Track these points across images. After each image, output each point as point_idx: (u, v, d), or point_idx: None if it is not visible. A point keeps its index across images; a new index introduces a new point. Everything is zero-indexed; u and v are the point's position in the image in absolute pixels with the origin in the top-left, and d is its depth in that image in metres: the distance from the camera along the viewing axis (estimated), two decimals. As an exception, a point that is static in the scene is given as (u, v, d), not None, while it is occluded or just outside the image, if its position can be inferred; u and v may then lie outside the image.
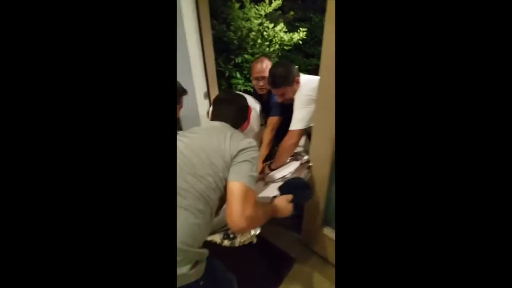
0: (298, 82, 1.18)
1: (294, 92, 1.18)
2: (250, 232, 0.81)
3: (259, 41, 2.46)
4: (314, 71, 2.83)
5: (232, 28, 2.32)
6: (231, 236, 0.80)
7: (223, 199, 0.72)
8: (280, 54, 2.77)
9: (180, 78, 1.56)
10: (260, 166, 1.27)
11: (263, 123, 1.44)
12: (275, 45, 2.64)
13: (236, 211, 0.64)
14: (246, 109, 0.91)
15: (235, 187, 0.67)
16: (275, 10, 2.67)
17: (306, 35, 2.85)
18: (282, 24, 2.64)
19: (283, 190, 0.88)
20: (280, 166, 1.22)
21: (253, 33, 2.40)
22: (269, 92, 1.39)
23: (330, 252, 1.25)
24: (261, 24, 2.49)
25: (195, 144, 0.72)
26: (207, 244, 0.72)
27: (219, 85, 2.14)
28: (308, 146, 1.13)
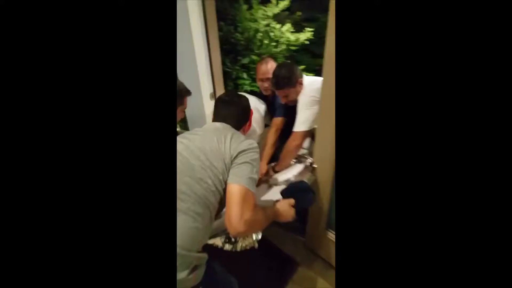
0: (301, 84, 1.16)
1: (298, 93, 1.16)
2: (251, 237, 0.79)
3: (265, 41, 2.45)
4: (321, 71, 2.78)
5: (239, 29, 2.33)
6: (233, 240, 0.80)
7: (223, 202, 0.71)
8: (287, 54, 2.76)
9: (186, 78, 1.57)
10: (264, 167, 1.25)
11: (269, 124, 1.43)
12: (282, 46, 2.63)
13: (235, 214, 0.63)
14: (247, 109, 0.90)
15: (234, 190, 0.66)
16: (282, 10, 2.66)
17: (313, 35, 2.83)
18: (289, 25, 2.62)
19: (285, 194, 0.87)
20: (284, 168, 1.21)
21: (260, 33, 2.39)
22: (274, 93, 1.38)
23: (334, 257, 1.22)
24: (268, 25, 2.48)
25: (195, 146, 0.71)
26: (208, 248, 0.72)
27: (226, 85, 2.15)
28: (312, 148, 1.11)
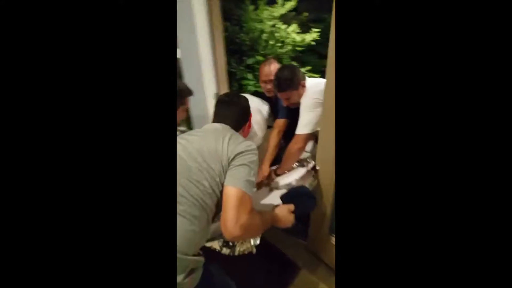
0: (303, 86, 1.15)
1: (300, 96, 1.14)
2: (249, 242, 0.78)
3: (271, 42, 2.44)
4: (327, 72, 2.74)
5: (244, 29, 2.32)
6: (230, 244, 0.78)
7: (220, 204, 0.70)
8: (292, 55, 2.74)
9: (191, 78, 1.57)
10: (266, 170, 1.24)
11: (272, 126, 1.41)
12: (288, 46, 2.61)
13: (230, 218, 0.61)
14: (247, 110, 0.89)
15: (231, 192, 0.64)
16: (289, 11, 2.64)
17: (320, 36, 2.80)
18: (295, 25, 2.60)
19: (285, 199, 0.85)
20: (285, 172, 1.19)
21: (265, 34, 2.38)
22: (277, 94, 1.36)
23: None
24: (273, 25, 2.47)
25: (192, 147, 0.70)
26: (206, 251, 0.71)
27: (231, 86, 2.15)
28: (315, 151, 1.09)
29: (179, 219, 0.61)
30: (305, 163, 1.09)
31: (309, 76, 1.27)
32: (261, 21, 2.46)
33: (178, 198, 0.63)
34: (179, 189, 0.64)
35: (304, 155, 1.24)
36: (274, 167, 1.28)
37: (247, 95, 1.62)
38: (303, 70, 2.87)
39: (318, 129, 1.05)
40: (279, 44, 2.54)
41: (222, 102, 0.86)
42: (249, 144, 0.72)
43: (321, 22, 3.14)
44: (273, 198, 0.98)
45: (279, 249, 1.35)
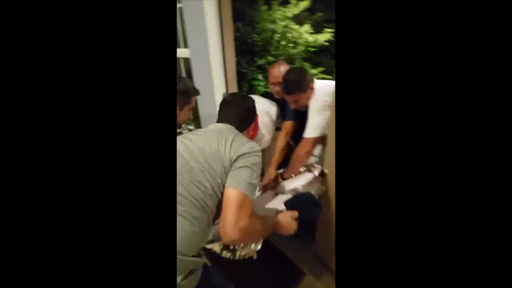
0: (312, 89, 1.11)
1: (308, 98, 1.11)
2: (250, 246, 0.76)
3: (282, 43, 2.41)
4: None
5: (256, 30, 2.31)
6: (231, 247, 0.77)
7: (221, 206, 0.69)
8: (305, 56, 2.69)
9: (200, 78, 1.58)
10: (273, 173, 1.22)
11: (281, 127, 1.39)
12: (300, 47, 2.57)
13: (229, 220, 0.60)
14: (252, 111, 0.87)
15: (231, 195, 0.63)
16: (302, 11, 2.60)
17: (334, 36, 2.74)
18: (307, 26, 2.56)
19: (289, 205, 0.82)
20: (292, 176, 1.16)
21: (277, 35, 2.35)
22: (286, 96, 1.34)
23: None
24: (286, 26, 2.44)
25: (195, 147, 0.69)
26: (206, 253, 0.70)
27: (241, 86, 2.14)
28: (323, 156, 1.06)
29: (179, 220, 0.61)
30: (312, 168, 1.06)
31: (322, 78, 1.24)
32: (273, 21, 2.44)
33: (179, 198, 0.62)
34: (180, 189, 0.63)
35: (312, 159, 1.21)
36: (281, 170, 1.25)
37: (255, 96, 1.61)
38: (315, 71, 2.83)
39: (327, 132, 1.01)
40: (291, 45, 2.51)
41: (226, 102, 0.85)
42: (253, 146, 0.70)
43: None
44: (278, 203, 0.96)
45: (284, 254, 1.33)
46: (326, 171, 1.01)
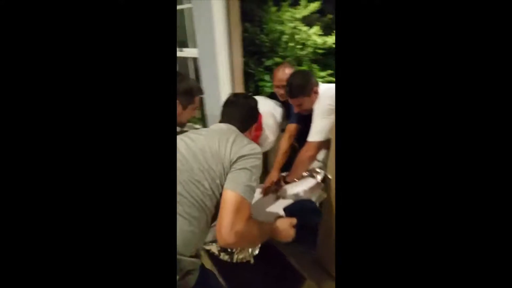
0: (316, 92, 1.10)
1: (312, 102, 1.09)
2: (248, 250, 0.76)
3: (291, 44, 2.39)
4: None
5: (264, 30, 2.30)
6: (229, 250, 0.76)
7: (219, 207, 0.68)
8: (313, 57, 2.66)
9: (207, 77, 1.58)
10: (275, 176, 1.20)
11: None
12: (308, 49, 2.55)
13: (225, 223, 0.59)
14: (254, 111, 0.87)
15: (229, 197, 0.62)
16: (313, 13, 2.57)
17: (343, 39, 2.70)
18: (316, 27, 2.53)
19: (288, 211, 0.81)
20: (295, 180, 1.15)
21: (285, 36, 2.34)
22: (291, 98, 1.32)
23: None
24: (294, 27, 2.42)
25: (196, 146, 0.69)
26: (208, 254, 0.69)
27: (247, 87, 2.14)
28: (327, 160, 1.05)
29: (177, 219, 0.61)
30: (315, 174, 1.04)
31: (330, 80, 1.23)
32: (282, 22, 2.43)
33: (178, 198, 0.62)
34: (179, 188, 0.63)
35: (316, 164, 1.19)
36: (284, 174, 1.24)
37: (261, 97, 1.60)
38: (324, 73, 2.79)
39: (331, 137, 1.00)
40: (299, 46, 2.49)
41: (229, 102, 0.85)
42: (253, 148, 0.70)
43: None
44: (278, 207, 0.95)
45: (285, 258, 1.31)
46: (330, 176, 1.00)
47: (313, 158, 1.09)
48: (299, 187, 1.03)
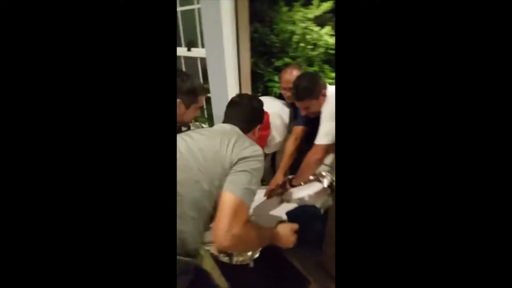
0: (324, 95, 1.06)
1: (320, 105, 1.06)
2: (247, 253, 0.74)
3: (301, 44, 2.36)
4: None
5: (275, 31, 2.28)
6: (228, 252, 0.75)
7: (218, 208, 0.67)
8: (324, 58, 2.62)
9: (214, 77, 1.58)
10: (280, 178, 1.18)
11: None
12: (320, 49, 2.50)
13: (222, 226, 0.58)
14: (258, 112, 0.85)
15: (227, 199, 0.61)
16: (325, 12, 2.53)
17: (356, 39, 2.63)
18: (328, 27, 2.48)
19: (290, 216, 0.79)
20: (301, 183, 1.12)
21: (296, 36, 2.31)
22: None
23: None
24: (306, 27, 2.38)
25: (196, 146, 0.68)
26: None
27: (256, 87, 2.12)
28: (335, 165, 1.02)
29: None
30: (321, 178, 1.01)
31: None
32: (293, 22, 2.39)
33: (176, 197, 0.62)
34: (177, 188, 0.62)
35: (323, 168, 1.16)
36: (290, 176, 1.22)
37: (269, 98, 1.59)
38: (335, 74, 2.73)
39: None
40: (310, 47, 2.44)
41: (233, 103, 0.84)
42: (255, 150, 0.68)
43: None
44: (282, 211, 0.93)
45: (289, 261, 1.29)
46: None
47: (320, 161, 1.06)
48: (305, 191, 1.00)
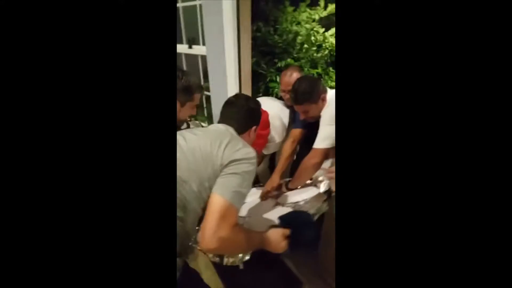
0: (324, 100, 1.03)
1: (320, 110, 1.03)
2: (238, 255, 0.72)
3: (305, 45, 2.32)
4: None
5: (278, 31, 2.24)
6: (217, 252, 0.74)
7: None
8: (329, 60, 2.58)
9: (215, 76, 1.57)
10: (276, 181, 1.16)
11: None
12: (324, 51, 2.47)
13: (209, 228, 0.57)
14: (254, 113, 0.83)
15: (215, 201, 0.60)
16: (331, 14, 2.50)
17: (361, 42, 2.60)
18: (334, 29, 2.45)
19: (282, 221, 0.76)
20: (297, 187, 1.10)
21: (300, 37, 2.28)
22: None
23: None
24: (311, 28, 2.35)
25: (187, 146, 0.66)
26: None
27: (257, 88, 2.09)
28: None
29: None
30: (318, 183, 0.98)
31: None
32: (298, 23, 2.36)
33: None
34: None
35: (321, 172, 1.13)
36: (287, 179, 1.19)
37: (269, 98, 1.56)
38: (338, 77, 2.68)
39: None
40: (314, 48, 2.41)
41: (229, 103, 0.83)
42: (248, 152, 0.66)
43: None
44: (276, 214, 0.91)
45: (284, 262, 1.26)
46: (333, 188, 0.94)
47: (318, 166, 1.04)
48: (300, 196, 0.98)
